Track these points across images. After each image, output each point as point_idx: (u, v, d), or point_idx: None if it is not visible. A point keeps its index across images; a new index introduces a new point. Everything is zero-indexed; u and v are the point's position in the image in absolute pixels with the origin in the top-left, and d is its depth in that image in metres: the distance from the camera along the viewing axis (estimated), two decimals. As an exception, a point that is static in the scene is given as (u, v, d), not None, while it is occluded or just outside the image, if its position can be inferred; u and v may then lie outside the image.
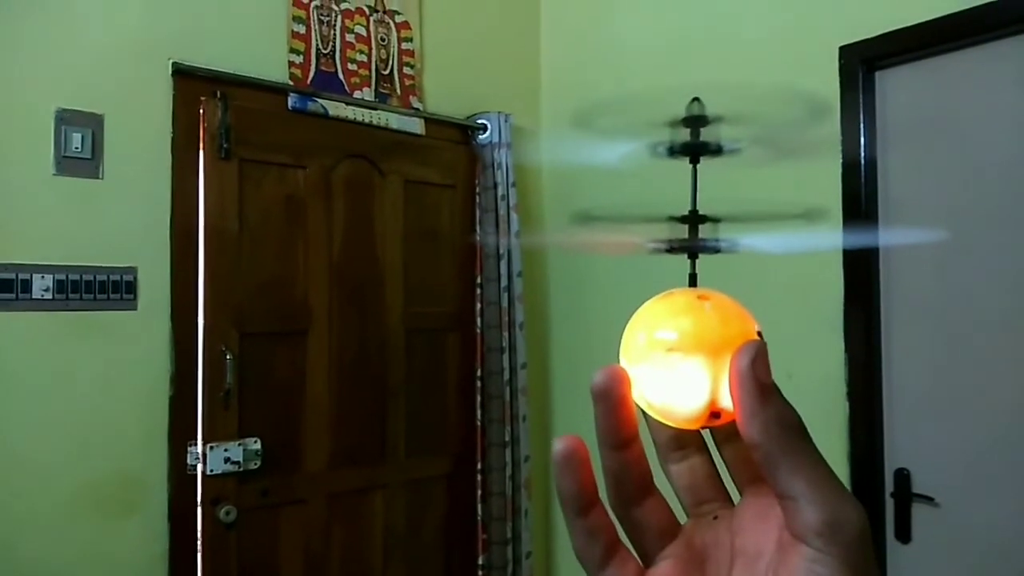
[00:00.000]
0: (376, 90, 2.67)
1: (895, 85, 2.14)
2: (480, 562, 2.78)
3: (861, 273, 2.16)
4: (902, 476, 2.09)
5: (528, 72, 3.15)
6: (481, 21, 3.01)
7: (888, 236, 2.12)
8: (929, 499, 2.04)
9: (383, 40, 2.70)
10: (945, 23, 2.01)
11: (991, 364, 1.95)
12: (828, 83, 2.22)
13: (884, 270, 2.15)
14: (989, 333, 1.95)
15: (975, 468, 1.97)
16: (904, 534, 2.08)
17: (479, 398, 2.80)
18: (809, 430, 0.37)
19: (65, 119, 2.09)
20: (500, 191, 2.83)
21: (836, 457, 2.20)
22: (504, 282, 2.81)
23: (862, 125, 2.16)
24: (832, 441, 2.20)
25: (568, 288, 3.01)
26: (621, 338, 0.42)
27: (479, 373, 2.80)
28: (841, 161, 2.19)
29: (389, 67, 2.71)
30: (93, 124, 2.14)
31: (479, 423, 2.80)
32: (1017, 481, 1.88)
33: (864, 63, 2.16)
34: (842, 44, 2.20)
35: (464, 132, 2.87)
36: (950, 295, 2.03)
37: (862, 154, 2.16)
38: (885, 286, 2.15)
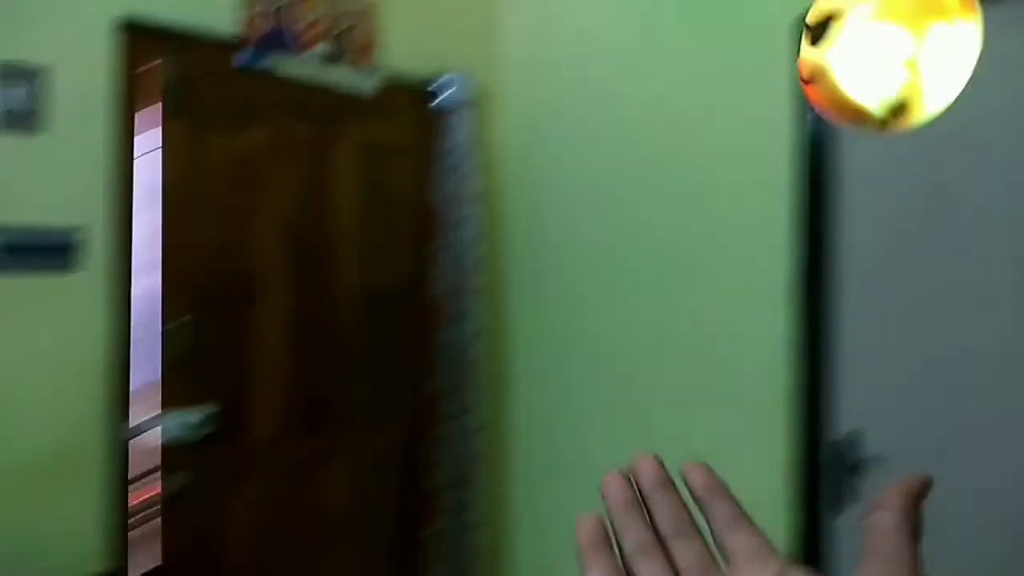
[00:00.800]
0: (331, 48, 2.60)
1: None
2: (430, 531, 2.79)
3: (812, 236, 2.18)
4: (852, 438, 2.13)
5: (491, 32, 3.08)
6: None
7: (843, 200, 2.15)
8: (880, 461, 2.08)
9: (340, -4, 2.62)
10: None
11: (943, 325, 1.98)
12: (785, 55, 2.21)
13: (837, 235, 2.17)
14: (942, 294, 1.98)
15: (926, 430, 2.01)
16: (852, 497, 2.13)
17: (434, 366, 2.78)
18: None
19: (6, 72, 2.01)
20: (460, 153, 2.80)
21: (778, 422, 2.23)
22: (463, 248, 2.79)
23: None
24: (775, 404, 2.24)
25: (528, 254, 2.99)
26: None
27: (435, 341, 2.79)
28: (797, 133, 2.19)
29: (346, 25, 2.64)
30: (36, 78, 2.05)
31: (433, 392, 2.79)
32: (969, 440, 1.93)
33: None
34: (797, 17, 2.19)
35: (423, 93, 2.82)
36: (903, 256, 2.05)
37: (819, 127, 2.16)
38: (837, 248, 2.17)
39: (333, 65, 2.58)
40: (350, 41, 2.65)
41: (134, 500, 2.29)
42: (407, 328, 2.78)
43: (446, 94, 2.80)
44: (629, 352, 2.61)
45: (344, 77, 2.60)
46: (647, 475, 0.43)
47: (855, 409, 2.14)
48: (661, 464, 0.43)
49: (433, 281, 2.79)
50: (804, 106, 2.18)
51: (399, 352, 2.76)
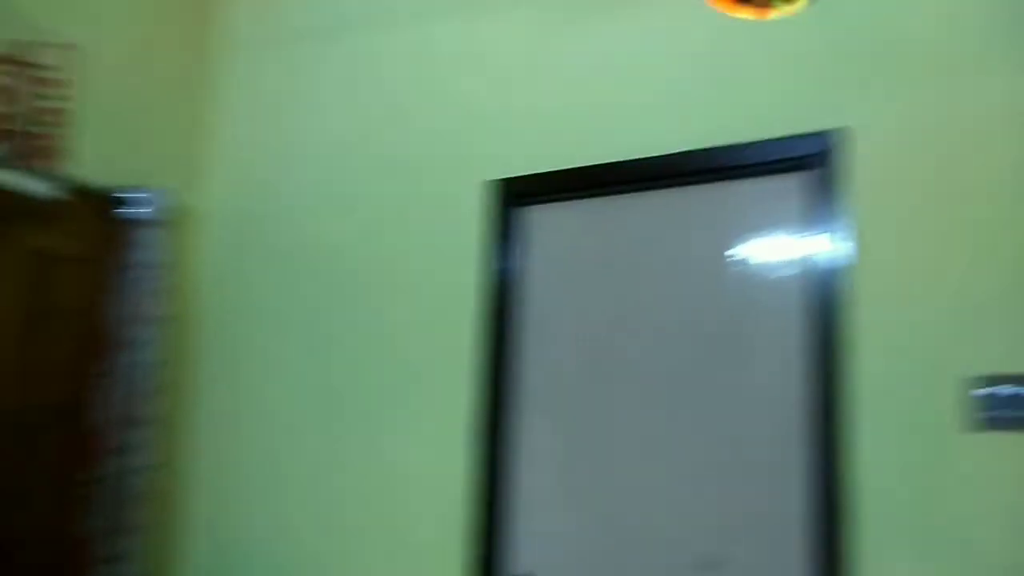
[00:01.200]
0: (6, 148, 2.36)
1: (539, 221, 2.36)
2: None
3: (494, 382, 2.29)
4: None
5: (195, 148, 2.97)
6: (149, 89, 2.82)
7: (524, 348, 2.30)
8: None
9: (26, 95, 2.42)
10: (585, 172, 2.28)
11: (617, 466, 2.14)
12: (480, 211, 2.40)
13: (517, 378, 2.30)
14: (609, 439, 2.15)
15: (596, 571, 2.12)
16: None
17: (88, 504, 2.47)
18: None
19: None
20: (147, 271, 2.62)
21: (455, 562, 2.25)
22: (137, 373, 2.56)
23: (506, 253, 2.35)
24: (451, 545, 2.26)
25: (222, 382, 2.80)
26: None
27: (92, 475, 2.48)
28: (485, 281, 2.35)
29: (28, 125, 2.42)
30: None
31: (85, 534, 2.46)
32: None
33: (510, 198, 2.38)
34: (490, 179, 2.41)
35: (110, 204, 2.62)
36: (581, 397, 2.22)
37: (504, 277, 2.34)
38: (518, 394, 2.30)
39: (6, 166, 2.34)
40: (30, 142, 2.42)
41: None
42: (58, 459, 2.45)
43: (138, 207, 2.64)
44: (324, 493, 2.51)
45: (17, 180, 2.36)
46: None
47: (530, 551, 2.21)
48: None
49: (96, 407, 2.52)
50: (491, 255, 2.35)
51: (45, 487, 2.41)
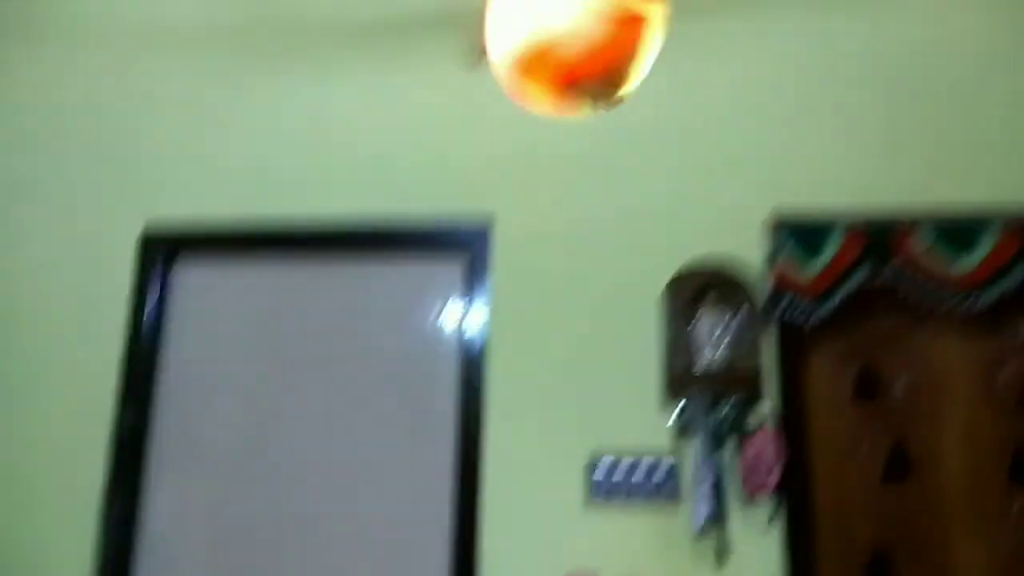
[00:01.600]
0: None
1: (197, 278, 2.27)
2: None
3: (132, 445, 2.13)
4: None
5: None
6: None
7: (170, 412, 2.14)
8: None
9: None
10: (253, 233, 2.23)
11: (264, 537, 2.08)
12: (131, 262, 2.25)
13: (161, 445, 2.16)
14: (267, 509, 2.10)
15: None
16: None
17: None
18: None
19: None
20: None
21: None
22: None
23: (158, 310, 2.23)
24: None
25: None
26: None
27: None
28: (129, 338, 2.19)
29: None
30: None
31: None
32: None
33: (167, 252, 2.26)
34: (147, 229, 2.27)
35: None
36: (232, 466, 2.13)
37: (154, 335, 2.21)
38: (160, 458, 2.15)
39: None
40: None
41: None
42: None
43: None
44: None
45: None
46: None
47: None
48: None
49: None
50: (139, 311, 2.17)
51: None
